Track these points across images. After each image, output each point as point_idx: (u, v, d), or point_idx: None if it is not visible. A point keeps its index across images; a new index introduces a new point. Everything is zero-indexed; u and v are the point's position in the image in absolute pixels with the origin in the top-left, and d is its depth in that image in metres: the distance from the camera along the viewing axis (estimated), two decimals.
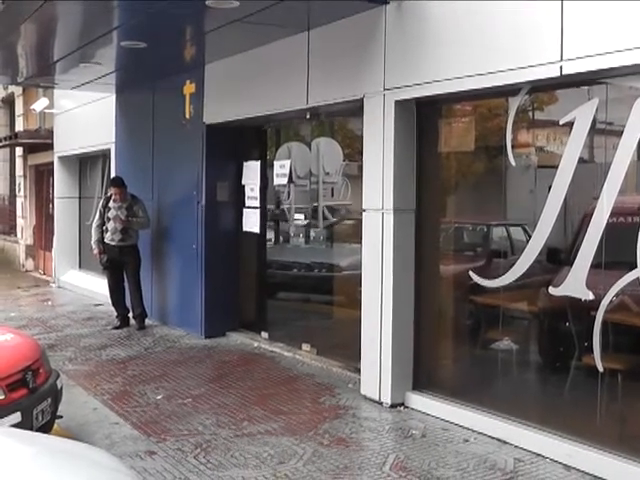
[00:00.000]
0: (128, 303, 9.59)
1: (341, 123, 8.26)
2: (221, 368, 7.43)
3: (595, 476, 4.61)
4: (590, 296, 4.82)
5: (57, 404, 4.95)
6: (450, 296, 6.39)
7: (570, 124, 4.91)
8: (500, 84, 5.10)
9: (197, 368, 7.44)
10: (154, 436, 5.44)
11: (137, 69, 9.31)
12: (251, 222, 8.64)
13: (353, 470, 4.78)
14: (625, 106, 4.59)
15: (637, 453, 4.51)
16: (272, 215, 8.96)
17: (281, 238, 9.29)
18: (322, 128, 8.31)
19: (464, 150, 6.23)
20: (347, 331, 7.02)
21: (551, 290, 5.22)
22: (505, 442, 5.19)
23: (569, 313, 5.33)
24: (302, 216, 8.48)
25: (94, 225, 9.66)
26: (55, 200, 14.15)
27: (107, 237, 9.40)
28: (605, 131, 4.97)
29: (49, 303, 11.83)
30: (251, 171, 8.66)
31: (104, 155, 12.15)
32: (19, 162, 17.32)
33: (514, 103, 5.33)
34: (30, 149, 16.17)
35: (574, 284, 4.92)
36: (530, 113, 5.71)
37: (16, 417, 4.32)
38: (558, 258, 5.43)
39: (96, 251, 9.60)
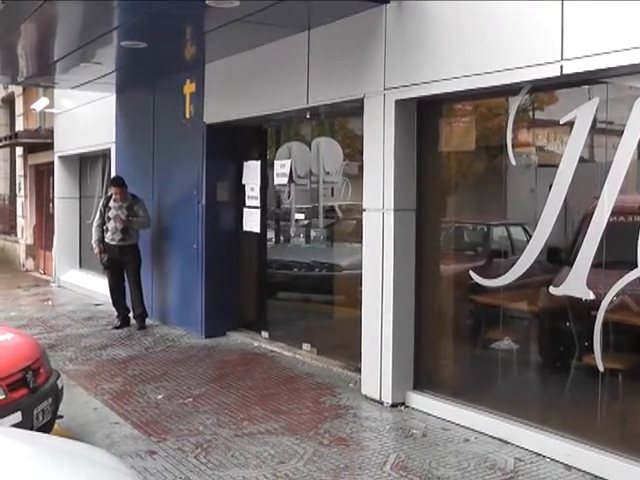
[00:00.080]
0: (128, 303, 9.59)
1: (341, 123, 8.26)
2: (221, 368, 7.43)
3: (596, 476, 4.61)
4: (591, 296, 4.81)
5: (57, 404, 4.95)
6: (450, 296, 6.39)
7: (570, 124, 4.91)
8: (501, 84, 5.10)
9: (197, 368, 7.44)
10: (154, 436, 5.44)
11: (137, 69, 9.31)
12: (251, 222, 8.64)
13: (354, 470, 4.78)
14: (625, 106, 4.59)
15: (638, 453, 4.51)
16: (272, 215, 8.96)
17: (281, 238, 9.29)
18: (322, 128, 8.31)
19: (464, 150, 6.23)
20: (347, 331, 7.02)
21: (552, 290, 5.22)
22: (505, 442, 5.19)
23: (570, 313, 5.33)
24: (302, 215, 8.48)
25: (94, 225, 9.66)
26: (55, 200, 14.16)
27: (107, 237, 9.40)
28: (605, 131, 4.96)
29: (49, 303, 11.83)
30: (251, 171, 8.66)
31: (104, 155, 12.15)
32: (19, 162, 17.32)
33: (514, 103, 5.33)
34: (30, 149, 16.17)
35: (575, 284, 4.92)
36: (531, 113, 5.71)
37: (16, 417, 4.33)
38: (558, 258, 5.43)
39: (96, 251, 9.61)
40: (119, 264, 9.45)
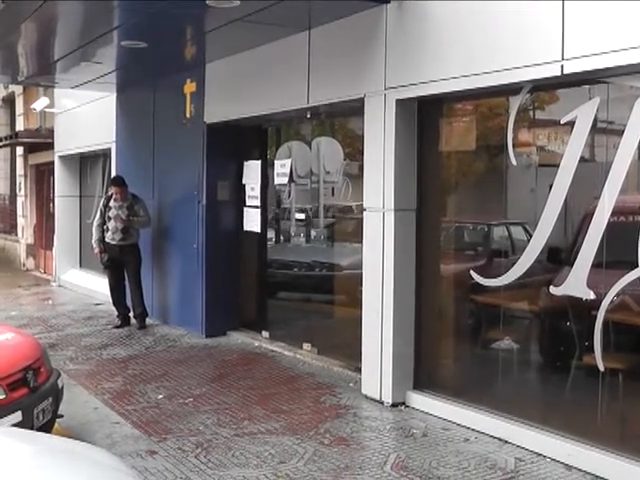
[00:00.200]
0: (129, 302, 9.59)
1: (342, 122, 8.25)
2: (222, 367, 7.44)
3: (596, 476, 4.61)
4: (591, 295, 4.81)
5: (58, 403, 4.95)
6: (451, 295, 6.39)
7: (571, 123, 4.90)
8: (502, 83, 5.10)
9: (198, 367, 7.44)
10: (155, 435, 5.44)
11: (138, 68, 9.31)
12: (252, 221, 8.64)
13: (354, 470, 4.78)
14: (626, 105, 4.59)
15: (638, 453, 4.50)
16: (273, 214, 8.96)
17: (282, 237, 9.29)
18: (323, 127, 8.31)
19: (465, 149, 6.23)
20: (348, 330, 7.02)
21: (552, 289, 5.22)
22: (506, 442, 5.19)
23: (570, 312, 5.33)
24: (303, 215, 8.48)
25: (95, 224, 9.66)
26: (56, 199, 14.16)
27: (108, 236, 9.40)
28: (606, 130, 4.96)
29: (50, 302, 11.83)
30: (252, 170, 8.66)
31: (104, 154, 12.15)
32: (20, 161, 17.32)
33: (515, 102, 5.33)
34: (30, 148, 16.17)
35: (575, 283, 4.91)
36: (531, 112, 5.71)
37: (17, 416, 4.33)
38: (559, 257, 5.43)
39: (97, 250, 9.61)
40: (119, 263, 9.45)
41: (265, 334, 8.55)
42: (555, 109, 5.44)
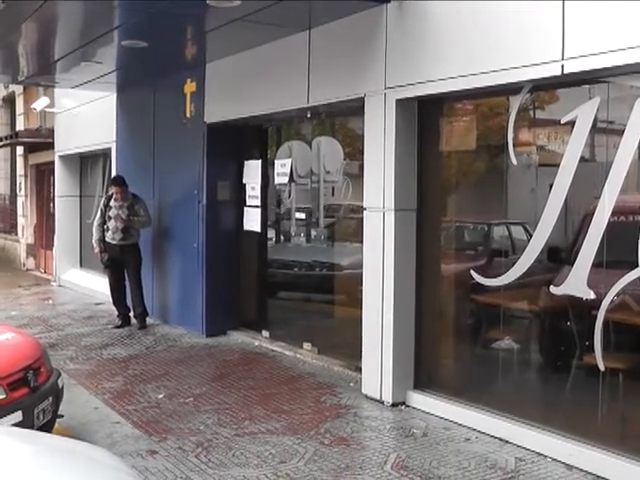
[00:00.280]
0: (129, 302, 9.59)
1: (342, 122, 8.25)
2: (222, 367, 7.44)
3: (597, 476, 4.61)
4: (591, 295, 4.81)
5: (58, 403, 4.95)
6: (451, 295, 6.39)
7: (571, 123, 4.90)
8: (502, 83, 5.10)
9: (198, 367, 7.45)
10: (155, 435, 5.44)
11: (138, 68, 9.31)
12: (252, 221, 8.64)
13: (354, 469, 4.78)
14: (626, 105, 4.59)
15: (639, 452, 4.50)
16: (273, 214, 8.96)
17: (282, 237, 9.29)
18: (323, 127, 8.31)
19: (465, 149, 6.23)
20: (348, 330, 7.02)
21: (552, 289, 5.22)
22: (506, 441, 5.19)
23: (570, 312, 5.33)
24: (303, 215, 8.48)
25: (95, 224, 9.66)
26: (56, 199, 14.16)
27: (108, 236, 9.40)
28: (606, 130, 4.96)
29: (50, 302, 11.83)
30: (252, 170, 8.65)
31: (105, 154, 12.15)
32: (20, 161, 17.32)
33: (515, 102, 5.33)
34: (31, 148, 16.17)
35: (575, 283, 4.91)
36: (531, 112, 5.71)
37: (17, 416, 4.33)
38: (559, 257, 5.42)
39: (97, 250, 9.61)
40: (120, 263, 9.45)
41: (265, 334, 8.55)
42: (555, 109, 5.44)
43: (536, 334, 5.94)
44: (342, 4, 6.20)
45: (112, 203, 9.43)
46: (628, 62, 4.28)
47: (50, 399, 4.75)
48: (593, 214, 4.77)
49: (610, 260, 4.78)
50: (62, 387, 5.07)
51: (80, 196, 13.87)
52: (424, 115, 6.07)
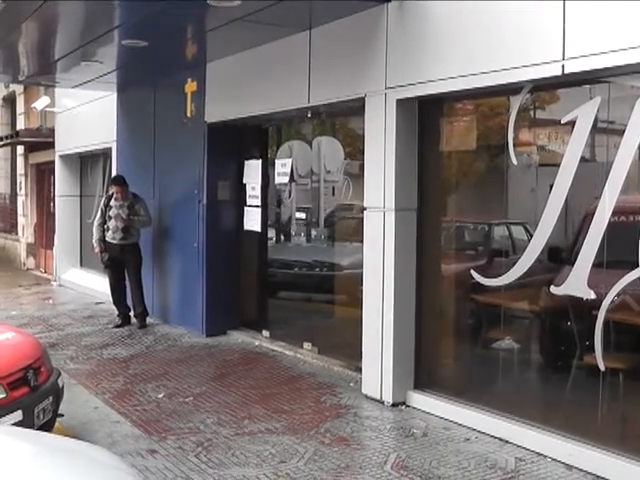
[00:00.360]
0: (129, 301, 9.59)
1: (342, 122, 8.25)
2: (222, 367, 7.44)
3: (597, 476, 4.61)
4: (592, 295, 4.81)
5: (58, 403, 4.95)
6: (451, 295, 6.39)
7: (572, 123, 4.90)
8: (503, 83, 5.10)
9: (198, 367, 7.45)
10: (155, 435, 5.44)
11: (138, 68, 9.31)
12: (252, 221, 8.64)
13: (354, 469, 4.78)
14: (627, 105, 4.58)
15: (639, 452, 4.50)
16: (273, 214, 8.96)
17: (282, 237, 9.29)
18: (323, 127, 8.30)
19: (466, 149, 6.23)
20: (348, 330, 7.02)
21: (552, 289, 5.21)
22: (506, 441, 5.19)
23: (570, 312, 5.33)
24: (303, 215, 8.48)
25: (95, 223, 9.66)
26: (56, 198, 14.16)
27: (108, 235, 9.41)
28: (607, 130, 4.96)
29: (50, 301, 11.83)
30: (252, 170, 8.65)
31: (105, 153, 12.15)
32: (20, 161, 17.32)
33: (516, 102, 5.32)
34: (31, 148, 16.17)
35: (576, 283, 4.91)
36: (532, 112, 5.71)
37: (17, 415, 4.33)
38: (559, 257, 5.43)
39: (97, 249, 9.61)
40: (120, 263, 9.46)
41: (265, 333, 8.55)
42: (556, 109, 5.44)
43: (536, 334, 5.94)
44: (343, 4, 6.19)
45: (112, 203, 9.43)
46: (628, 62, 4.28)
47: (50, 398, 4.75)
48: (593, 214, 4.77)
49: (610, 260, 4.78)
50: (62, 386, 5.07)
51: (80, 196, 13.88)
52: (424, 115, 6.07)
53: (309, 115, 7.50)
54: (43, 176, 16.21)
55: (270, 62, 7.58)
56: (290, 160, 8.05)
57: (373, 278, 6.19)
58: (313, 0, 6.22)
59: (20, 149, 17.08)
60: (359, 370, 6.52)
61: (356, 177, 7.31)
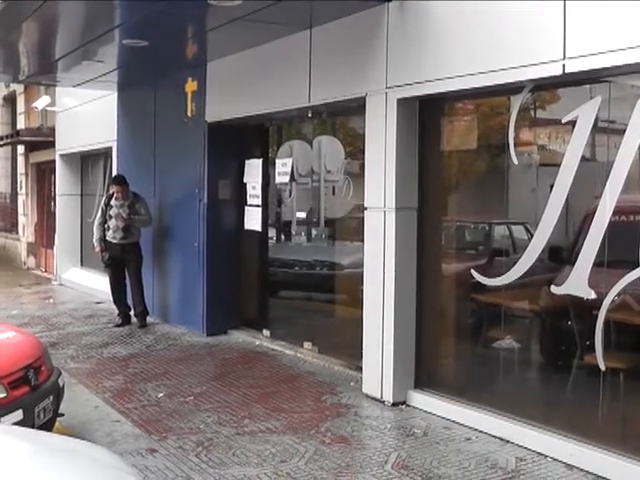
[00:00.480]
0: (130, 301, 9.60)
1: (343, 121, 8.25)
2: (223, 366, 7.44)
3: (597, 475, 4.60)
4: (592, 295, 4.81)
5: (59, 402, 4.95)
6: (452, 294, 6.39)
7: (572, 123, 4.90)
8: (504, 82, 5.09)
9: (199, 366, 7.45)
10: (155, 434, 5.44)
11: (139, 67, 9.31)
12: (253, 220, 8.63)
13: (355, 469, 4.78)
14: (628, 105, 4.58)
15: (639, 452, 4.50)
16: (274, 213, 8.96)
17: (283, 236, 9.29)
18: (324, 126, 8.30)
19: (466, 148, 6.23)
20: (349, 329, 7.02)
21: (553, 289, 5.21)
22: (507, 441, 5.19)
23: (571, 312, 5.33)
24: (304, 214, 8.48)
25: (96, 223, 9.67)
26: (57, 198, 14.16)
27: (109, 235, 9.41)
28: (607, 130, 4.95)
29: (51, 301, 11.84)
30: (253, 169, 8.65)
31: (106, 153, 12.15)
32: (21, 160, 17.33)
33: (516, 101, 5.32)
34: (32, 147, 16.17)
35: (576, 283, 4.91)
36: (532, 111, 5.70)
37: (18, 415, 4.33)
38: (560, 257, 5.42)
39: (98, 249, 9.62)
40: (120, 262, 9.46)
41: (266, 333, 8.55)
42: (556, 108, 5.44)
43: (537, 334, 5.94)
44: (343, 4, 6.19)
45: (113, 202, 9.43)
46: (629, 62, 4.28)
47: (51, 398, 4.75)
48: (594, 214, 4.76)
49: (611, 260, 4.78)
50: (63, 386, 5.07)
51: (81, 195, 13.88)
52: (425, 114, 6.06)
53: (310, 114, 7.50)
54: (44, 175, 16.22)
55: (271, 61, 7.57)
56: (291, 159, 8.05)
57: (373, 277, 6.19)
58: (313, 0, 6.22)
59: (20, 148, 17.08)
60: (359, 369, 6.52)
61: (357, 176, 7.31)
